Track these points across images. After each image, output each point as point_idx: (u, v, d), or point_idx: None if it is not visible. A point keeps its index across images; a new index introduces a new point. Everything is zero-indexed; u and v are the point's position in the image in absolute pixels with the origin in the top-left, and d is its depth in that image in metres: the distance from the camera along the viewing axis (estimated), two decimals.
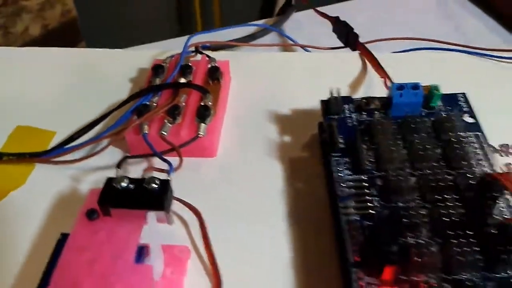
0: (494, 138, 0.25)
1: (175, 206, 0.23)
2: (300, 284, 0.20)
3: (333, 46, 0.34)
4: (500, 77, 0.30)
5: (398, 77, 0.25)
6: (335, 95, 0.24)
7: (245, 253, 0.22)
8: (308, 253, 0.21)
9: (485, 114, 0.25)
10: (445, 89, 0.25)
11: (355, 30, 0.32)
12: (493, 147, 0.25)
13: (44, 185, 0.25)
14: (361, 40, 0.32)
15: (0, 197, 0.24)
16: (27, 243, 0.22)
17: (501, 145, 0.25)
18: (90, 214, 0.20)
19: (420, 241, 0.18)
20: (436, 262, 0.17)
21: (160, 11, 0.80)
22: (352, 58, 0.32)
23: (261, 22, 0.42)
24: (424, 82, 0.25)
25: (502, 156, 0.25)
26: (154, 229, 0.19)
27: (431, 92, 0.24)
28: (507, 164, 0.24)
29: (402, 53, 0.33)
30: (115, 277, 0.18)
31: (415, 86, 0.23)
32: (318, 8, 0.37)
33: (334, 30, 0.35)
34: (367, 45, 0.32)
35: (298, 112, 0.28)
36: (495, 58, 0.31)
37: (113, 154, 0.26)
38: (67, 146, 0.26)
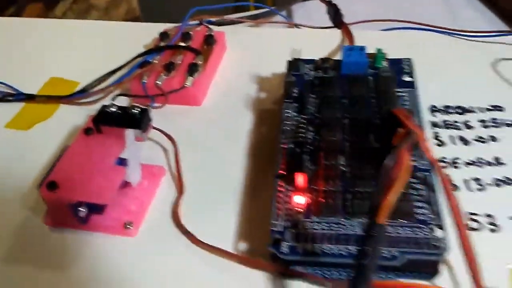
0: (435, 100, 0.29)
1: (161, 138, 0.29)
2: (246, 197, 0.25)
3: (323, 26, 0.39)
4: (461, 53, 0.33)
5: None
6: (296, 57, 0.29)
7: (207, 172, 0.27)
8: (257, 176, 0.26)
9: (433, 81, 0.29)
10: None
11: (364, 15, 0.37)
12: (435, 107, 0.29)
13: (65, 120, 0.31)
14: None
15: (31, 126, 0.31)
16: (46, 155, 0.29)
17: (442, 106, 0.29)
18: (87, 130, 0.26)
19: (332, 162, 0.23)
20: (339, 175, 0.22)
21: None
22: (335, 35, 0.36)
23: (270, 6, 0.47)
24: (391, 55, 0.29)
25: (434, 112, 0.28)
26: (132, 144, 0.25)
27: (377, 54, 0.28)
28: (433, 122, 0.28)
29: (382, 31, 0.37)
30: (97, 171, 0.24)
31: (362, 48, 0.27)
32: None
33: (327, 12, 0.40)
34: (356, 25, 0.37)
35: (276, 75, 0.33)
36: (464, 37, 0.34)
37: (120, 98, 0.32)
38: (85, 92, 0.33)
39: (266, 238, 0.21)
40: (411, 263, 0.19)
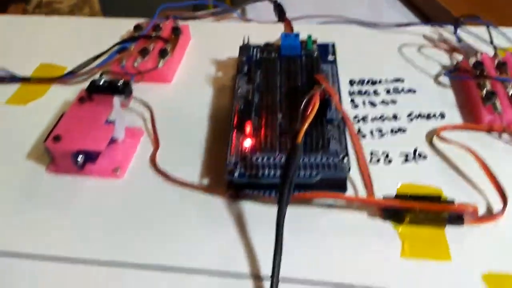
0: (353, 75, 0.38)
1: (139, 109, 0.36)
2: (207, 148, 0.33)
3: (272, 21, 0.47)
4: (375, 40, 0.42)
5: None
6: (246, 42, 0.37)
7: (176, 132, 0.34)
8: (216, 133, 0.34)
9: (352, 62, 0.38)
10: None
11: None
12: (353, 80, 0.37)
13: (57, 97, 0.38)
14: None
15: (28, 102, 0.38)
16: (43, 123, 0.35)
17: (358, 79, 0.37)
18: (81, 99, 0.33)
19: (271, 117, 0.31)
20: (276, 126, 0.30)
21: None
22: (279, 27, 0.44)
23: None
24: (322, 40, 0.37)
25: (352, 84, 0.37)
26: (117, 108, 0.32)
27: (307, 40, 0.36)
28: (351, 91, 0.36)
29: (316, 25, 0.45)
30: (92, 128, 0.31)
31: (296, 35, 0.36)
32: None
33: (274, 9, 0.48)
34: (296, 20, 0.45)
35: (230, 59, 0.41)
36: (379, 29, 0.43)
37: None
38: (73, 74, 0.39)
39: (222, 175, 0.29)
40: (326, 181, 0.27)
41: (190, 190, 0.30)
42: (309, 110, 0.25)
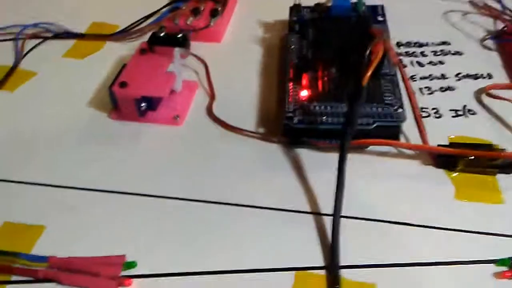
0: (400, 38, 0.39)
1: (194, 64, 0.37)
2: (260, 99, 0.34)
3: None
4: (421, 6, 0.43)
5: None
6: (297, 2, 0.38)
7: (230, 86, 0.36)
8: (267, 86, 0.35)
9: (400, 25, 0.39)
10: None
11: None
12: (399, 42, 0.38)
13: (112, 52, 0.39)
14: None
15: (82, 57, 0.39)
16: (101, 74, 0.37)
17: (405, 41, 0.38)
18: (142, 51, 0.34)
19: (327, 71, 0.32)
20: (332, 78, 0.31)
21: None
22: None
23: None
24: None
25: (399, 46, 0.38)
26: (177, 60, 0.33)
27: (357, 1, 0.37)
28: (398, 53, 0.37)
29: None
30: (154, 76, 0.32)
31: None
32: None
33: None
34: None
35: (278, 20, 0.42)
36: None
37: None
38: (127, 31, 0.41)
39: (277, 126, 0.31)
40: (381, 129, 0.29)
41: (246, 137, 0.32)
42: (374, 56, 0.26)
